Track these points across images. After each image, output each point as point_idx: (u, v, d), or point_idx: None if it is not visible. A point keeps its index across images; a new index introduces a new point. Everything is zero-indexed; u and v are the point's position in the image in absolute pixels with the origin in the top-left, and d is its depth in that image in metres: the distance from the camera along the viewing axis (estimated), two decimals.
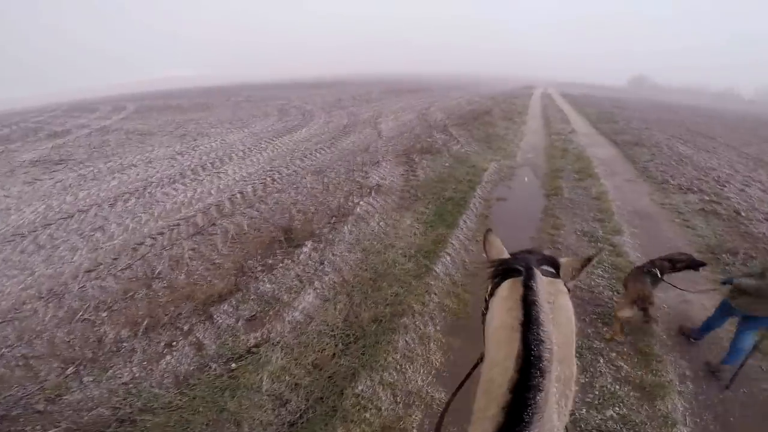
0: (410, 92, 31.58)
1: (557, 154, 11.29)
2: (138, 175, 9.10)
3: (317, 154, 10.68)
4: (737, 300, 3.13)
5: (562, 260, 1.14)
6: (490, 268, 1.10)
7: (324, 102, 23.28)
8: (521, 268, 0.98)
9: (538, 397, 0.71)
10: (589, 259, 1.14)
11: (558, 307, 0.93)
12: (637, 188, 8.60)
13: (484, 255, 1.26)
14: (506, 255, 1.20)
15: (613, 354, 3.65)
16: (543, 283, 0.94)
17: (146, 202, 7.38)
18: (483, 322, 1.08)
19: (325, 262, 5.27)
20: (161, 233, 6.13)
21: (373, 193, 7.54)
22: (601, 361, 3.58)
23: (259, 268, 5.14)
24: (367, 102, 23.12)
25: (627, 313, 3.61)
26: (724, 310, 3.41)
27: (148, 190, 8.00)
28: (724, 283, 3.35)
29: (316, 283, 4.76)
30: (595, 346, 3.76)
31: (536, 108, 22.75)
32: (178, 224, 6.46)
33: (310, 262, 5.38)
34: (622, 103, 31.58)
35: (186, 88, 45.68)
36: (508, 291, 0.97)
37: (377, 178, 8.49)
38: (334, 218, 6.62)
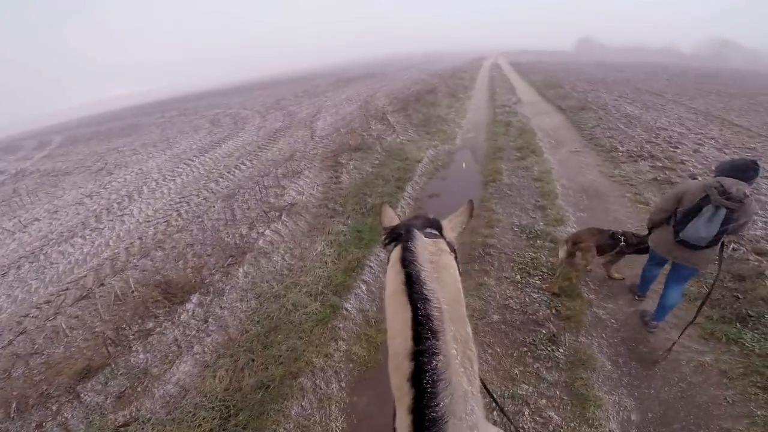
0: (361, 79, 29.92)
1: (500, 129, 10.21)
2: (40, 231, 8.11)
3: (235, 172, 9.26)
4: (653, 241, 2.94)
5: (445, 220, 1.18)
6: (386, 235, 1.08)
7: (263, 104, 21.48)
8: (402, 232, 0.98)
9: (435, 362, 0.69)
10: (469, 212, 1.26)
11: (442, 267, 0.93)
12: (584, 160, 7.63)
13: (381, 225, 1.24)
14: (396, 222, 1.20)
15: (542, 401, 2.80)
16: (423, 244, 0.93)
17: (40, 266, 6.46)
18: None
19: (210, 320, 4.28)
20: (48, 301, 5.30)
21: (284, 216, 6.25)
22: (526, 412, 2.74)
23: (135, 335, 4.27)
24: (311, 97, 21.44)
25: (561, 254, 3.57)
26: (651, 258, 3.20)
27: (45, 251, 7.00)
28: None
29: (195, 347, 3.92)
30: (520, 392, 2.87)
31: (483, 81, 21.67)
32: (67, 289, 5.56)
33: (192, 321, 4.38)
34: (568, 66, 31.01)
35: (123, 107, 42.52)
36: (395, 256, 0.93)
37: (294, 193, 7.18)
38: (230, 258, 5.36)
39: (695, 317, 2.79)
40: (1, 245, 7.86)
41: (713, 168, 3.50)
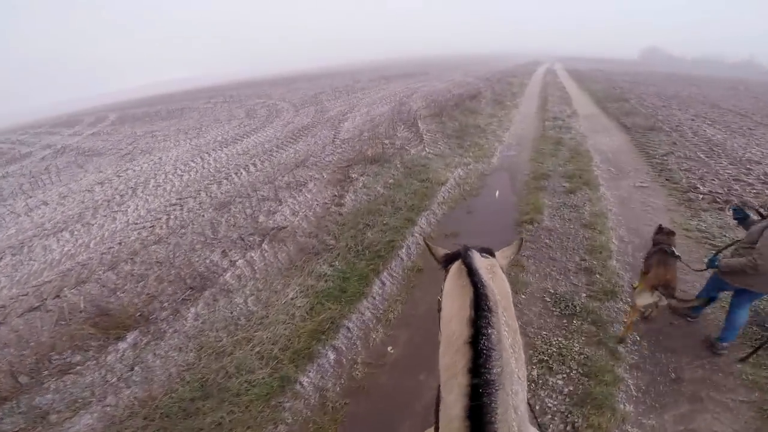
0: (404, 77, 28.50)
1: (548, 148, 8.49)
2: (42, 217, 7.83)
3: (242, 174, 8.40)
4: (728, 276, 2.72)
5: (498, 252, 1.28)
6: (442, 260, 1.24)
7: (301, 97, 20.74)
8: (460, 252, 1.07)
9: (491, 332, 0.76)
10: (519, 247, 1.35)
11: (496, 275, 1.03)
12: (652, 200, 5.83)
13: (432, 258, 1.33)
14: (447, 251, 1.30)
15: None
16: (479, 258, 1.05)
17: (18, 261, 6.05)
18: (438, 312, 1.09)
19: (137, 368, 3.53)
20: (3, 306, 4.75)
21: (265, 243, 5.17)
22: None
23: (54, 369, 3.58)
24: (348, 93, 20.37)
25: (646, 300, 2.91)
26: (714, 285, 2.94)
27: (32, 243, 6.61)
28: (710, 265, 2.84)
29: (109, 398, 3.21)
30: None
31: (535, 87, 19.45)
32: (26, 294, 4.93)
33: (118, 365, 3.59)
34: (633, 77, 27.55)
35: (178, 90, 43.84)
36: (455, 268, 1.05)
37: (287, 212, 6.09)
38: (188, 292, 4.37)
39: None
40: (2, 227, 7.59)
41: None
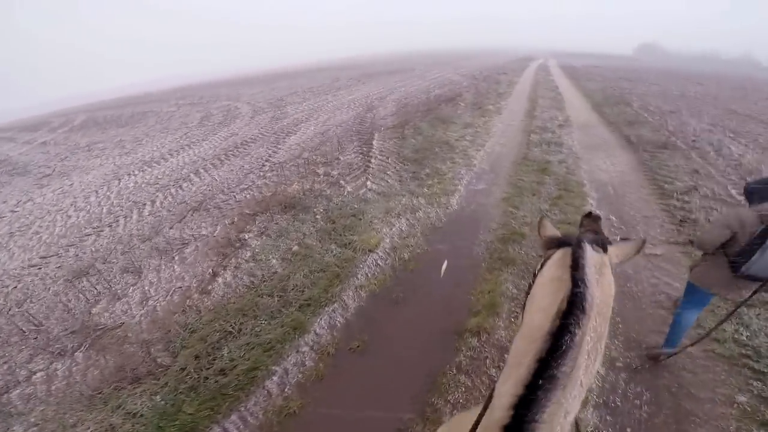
0: (388, 74, 25.88)
1: (530, 179, 6.17)
2: None
3: (131, 218, 6.36)
4: (702, 280, 2.41)
5: (611, 246, 1.10)
6: (547, 242, 1.12)
7: (268, 99, 18.28)
8: (572, 242, 0.99)
9: (576, 332, 0.71)
10: (638, 248, 1.14)
11: (602, 274, 0.92)
12: (669, 282, 3.54)
13: (539, 237, 1.23)
14: (559, 235, 1.19)
15: None
16: (591, 252, 0.93)
17: None
18: (526, 295, 1.04)
19: None
20: None
21: (81, 350, 3.36)
22: None
23: None
24: (320, 94, 17.89)
25: None
26: (694, 298, 2.52)
27: None
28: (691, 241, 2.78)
29: None
30: None
31: (525, 87, 16.97)
32: None
33: None
34: (633, 74, 24.99)
35: (161, 90, 40.98)
36: (559, 255, 0.99)
37: (137, 298, 4.17)
38: None
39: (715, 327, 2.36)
40: None
41: (747, 183, 2.31)
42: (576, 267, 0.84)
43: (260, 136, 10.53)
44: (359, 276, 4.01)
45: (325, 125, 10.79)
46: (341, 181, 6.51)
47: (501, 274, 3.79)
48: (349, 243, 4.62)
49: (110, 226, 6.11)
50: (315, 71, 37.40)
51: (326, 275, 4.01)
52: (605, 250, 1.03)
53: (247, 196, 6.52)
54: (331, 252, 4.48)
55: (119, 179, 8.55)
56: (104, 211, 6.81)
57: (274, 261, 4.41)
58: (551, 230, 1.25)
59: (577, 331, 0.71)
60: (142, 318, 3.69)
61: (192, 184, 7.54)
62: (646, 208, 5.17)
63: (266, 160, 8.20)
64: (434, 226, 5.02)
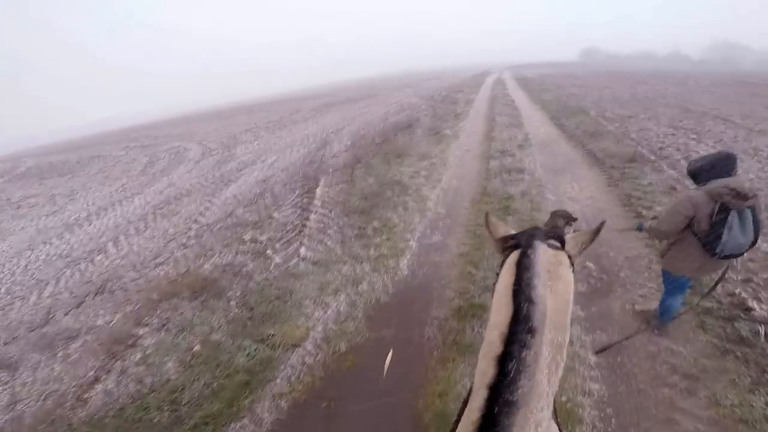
0: (349, 102, 25.25)
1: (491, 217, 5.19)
2: None
3: (19, 305, 4.73)
4: (676, 266, 2.39)
5: (569, 235, 1.09)
6: (500, 244, 1.07)
7: (222, 137, 17.11)
8: (522, 240, 0.97)
9: (524, 354, 0.69)
10: (596, 231, 1.09)
11: (556, 276, 0.89)
12: (678, 362, 2.53)
13: (489, 235, 1.16)
14: (511, 232, 1.12)
15: None
16: (543, 253, 0.91)
17: None
18: (492, 292, 0.97)
19: None
20: None
21: None
22: None
23: None
24: (275, 130, 16.84)
25: None
26: (673, 285, 2.56)
27: None
28: (638, 229, 2.55)
29: None
30: None
31: (482, 104, 16.53)
32: None
33: None
34: (582, 79, 25.43)
35: (121, 128, 38.96)
36: (511, 259, 0.93)
37: (3, 401, 2.59)
38: None
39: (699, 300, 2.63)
40: None
41: (690, 164, 2.30)
42: (519, 282, 0.81)
43: (198, 186, 9.28)
44: (279, 380, 2.86)
45: (270, 169, 9.67)
46: (269, 251, 5.31)
47: (456, 367, 2.76)
48: (269, 337, 3.46)
49: (2, 309, 4.76)
50: (280, 102, 36.59)
51: (234, 383, 2.85)
52: (562, 244, 1.00)
53: (161, 273, 5.23)
54: (244, 350, 3.30)
55: (33, 249, 7.09)
56: (1, 291, 5.40)
57: (170, 364, 3.21)
58: (502, 228, 1.15)
59: (525, 353, 0.70)
60: (5, 426, 2.54)
61: (106, 257, 6.19)
62: (628, 246, 4.25)
63: (194, 222, 6.94)
64: (379, 301, 3.90)
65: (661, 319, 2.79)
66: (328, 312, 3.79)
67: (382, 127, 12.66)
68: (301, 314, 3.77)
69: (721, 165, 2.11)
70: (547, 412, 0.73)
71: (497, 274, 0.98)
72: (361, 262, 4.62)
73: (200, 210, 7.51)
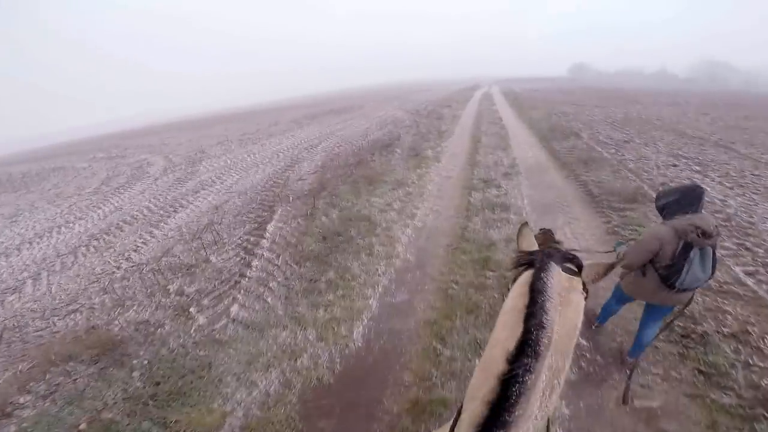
0: (331, 114, 24.24)
1: (467, 280, 4.15)
2: None
3: None
4: (629, 289, 2.50)
5: (587, 262, 1.07)
6: (516, 258, 1.07)
7: (190, 151, 15.87)
8: (538, 260, 0.96)
9: (527, 377, 0.70)
10: (612, 265, 1.10)
11: (567, 302, 0.88)
12: None
13: (516, 244, 1.22)
14: (535, 248, 1.15)
15: None
16: (558, 277, 0.90)
17: None
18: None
19: None
20: None
21: None
22: None
23: None
24: (246, 144, 15.67)
25: None
26: (620, 298, 2.77)
27: None
28: (616, 247, 2.58)
29: None
30: None
31: (468, 120, 15.69)
32: None
33: None
34: (572, 96, 24.98)
35: (89, 137, 37.21)
36: (524, 279, 0.93)
37: None
38: None
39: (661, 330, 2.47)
40: None
41: (658, 197, 2.37)
42: (532, 305, 0.80)
43: (146, 212, 8.05)
44: None
45: (227, 194, 8.49)
46: (193, 308, 4.15)
47: None
48: (173, 423, 2.35)
49: None
50: (261, 112, 35.44)
51: None
52: (579, 269, 0.99)
53: (69, 324, 4.10)
54: None
55: None
56: None
57: None
58: (529, 241, 1.21)
59: (528, 377, 0.69)
60: None
61: (19, 298, 5.01)
62: (631, 318, 3.23)
63: (126, 259, 5.75)
64: (322, 381, 2.85)
65: (599, 318, 3.10)
66: (254, 393, 2.74)
67: (359, 146, 11.61)
68: (218, 394, 2.72)
69: (688, 199, 2.15)
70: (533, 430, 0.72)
71: (507, 288, 1.00)
72: (305, 328, 3.52)
73: (137, 244, 6.32)
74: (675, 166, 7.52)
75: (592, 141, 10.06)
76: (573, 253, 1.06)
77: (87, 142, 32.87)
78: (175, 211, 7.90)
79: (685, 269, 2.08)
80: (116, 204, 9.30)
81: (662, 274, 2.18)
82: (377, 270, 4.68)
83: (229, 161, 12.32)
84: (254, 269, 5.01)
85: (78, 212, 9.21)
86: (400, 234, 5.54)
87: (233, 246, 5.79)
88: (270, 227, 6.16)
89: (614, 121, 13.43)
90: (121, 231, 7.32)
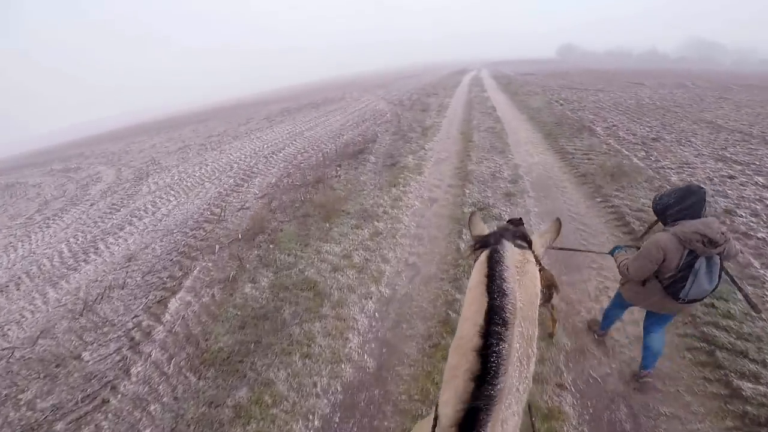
0: (309, 108, 21.72)
1: None
2: None
3: None
4: (631, 297, 2.28)
5: (534, 235, 1.15)
6: (473, 244, 1.10)
7: (146, 160, 13.69)
8: (492, 240, 1.00)
9: (500, 347, 0.70)
10: (557, 228, 1.26)
11: (524, 272, 0.91)
12: None
13: (470, 232, 1.24)
14: (487, 231, 1.20)
15: None
16: (511, 251, 0.94)
17: None
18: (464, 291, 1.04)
19: None
20: None
21: None
22: None
23: None
24: (205, 151, 13.38)
25: None
26: (621, 305, 2.53)
27: None
28: (611, 252, 2.43)
29: None
30: None
31: (457, 112, 13.44)
32: None
33: None
34: (568, 79, 22.67)
35: (69, 142, 34.41)
36: (482, 258, 0.95)
37: None
38: None
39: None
40: None
41: (656, 201, 2.11)
42: (492, 275, 0.81)
43: (56, 258, 6.10)
44: None
45: (153, 231, 6.42)
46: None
47: None
48: None
49: None
50: (243, 106, 32.65)
51: None
52: (529, 243, 1.04)
53: None
54: None
55: None
56: None
57: None
58: (480, 227, 1.24)
59: (502, 346, 0.70)
60: None
61: None
62: None
63: (1, 336, 3.76)
64: None
65: (603, 325, 2.80)
66: None
67: (325, 153, 9.42)
68: None
69: (690, 203, 1.93)
70: (516, 407, 0.72)
71: (470, 272, 0.99)
72: None
73: (23, 313, 4.63)
74: (732, 178, 5.50)
75: (612, 138, 7.99)
76: (521, 230, 1.10)
77: (55, 150, 30.08)
78: (85, 261, 5.85)
79: (690, 280, 1.89)
80: (35, 243, 7.29)
81: (666, 284, 1.98)
82: (315, 385, 2.83)
83: (176, 177, 10.12)
84: (133, 379, 3.15)
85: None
86: (358, 314, 3.54)
87: (119, 333, 3.83)
88: (174, 303, 4.12)
89: (627, 108, 11.32)
90: (17, 289, 5.38)
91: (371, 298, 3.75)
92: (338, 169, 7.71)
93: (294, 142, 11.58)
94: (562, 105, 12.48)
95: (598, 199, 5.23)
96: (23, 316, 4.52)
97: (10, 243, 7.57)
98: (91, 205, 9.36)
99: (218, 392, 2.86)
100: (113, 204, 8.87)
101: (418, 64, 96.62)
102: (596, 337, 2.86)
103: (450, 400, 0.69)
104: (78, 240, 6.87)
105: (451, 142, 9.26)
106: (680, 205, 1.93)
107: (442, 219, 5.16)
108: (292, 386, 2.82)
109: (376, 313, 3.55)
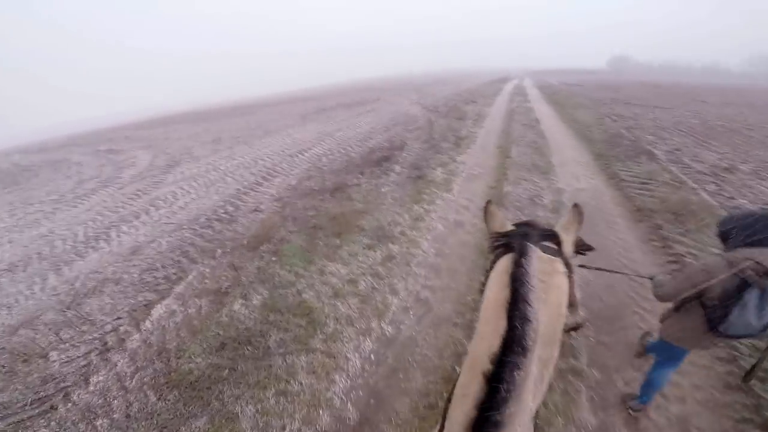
0: (342, 108, 21.49)
1: None
2: None
3: None
4: (672, 335, 1.93)
5: (560, 229, 0.99)
6: (491, 242, 0.98)
7: (180, 149, 13.94)
8: (516, 246, 0.85)
9: (516, 374, 0.65)
10: (580, 219, 1.07)
11: (550, 287, 0.82)
12: None
13: (486, 226, 1.10)
14: (508, 227, 1.05)
15: None
16: (539, 261, 0.81)
17: None
18: (481, 293, 0.90)
19: None
20: None
21: None
22: None
23: None
24: (235, 144, 13.44)
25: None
26: (666, 354, 2.07)
27: None
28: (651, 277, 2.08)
29: None
30: None
31: (495, 123, 12.55)
32: None
33: None
34: (621, 92, 20.89)
35: (96, 129, 36.59)
36: (503, 267, 0.83)
37: None
38: None
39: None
40: None
41: (723, 220, 1.81)
42: (515, 298, 0.70)
43: (69, 241, 6.19)
44: None
45: (165, 224, 6.26)
46: None
47: None
48: None
49: None
50: (273, 104, 33.08)
51: None
52: (559, 246, 0.91)
53: None
54: None
55: None
56: None
57: None
58: (500, 221, 1.07)
59: (517, 374, 0.64)
60: None
61: None
62: None
63: None
64: None
65: (642, 397, 2.26)
66: None
67: (350, 157, 8.98)
68: None
69: (761, 229, 1.60)
70: (528, 424, 0.69)
71: (486, 272, 0.90)
72: None
73: (18, 297, 4.51)
74: None
75: (675, 166, 6.89)
76: (550, 228, 0.95)
77: (106, 132, 32.09)
78: (93, 248, 5.77)
79: (734, 312, 1.58)
80: (56, 222, 7.46)
81: (708, 312, 1.69)
82: (284, 429, 2.52)
83: (202, 169, 10.10)
84: (90, 389, 2.94)
85: (17, 229, 7.43)
86: (351, 352, 3.02)
87: (95, 335, 3.60)
88: (158, 309, 3.79)
89: (691, 129, 9.97)
90: (24, 270, 5.33)
91: (370, 335, 3.20)
92: (360, 176, 7.22)
93: (321, 143, 11.25)
94: (614, 121, 11.27)
95: (657, 243, 4.34)
96: (17, 301, 4.42)
97: (36, 219, 7.74)
98: (120, 188, 9.50)
99: (174, 418, 2.57)
100: (138, 190, 8.93)
101: (456, 70, 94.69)
102: (631, 413, 2.35)
103: (456, 421, 0.66)
104: (96, 224, 6.85)
105: (486, 156, 8.50)
106: (748, 230, 1.63)
107: (466, 249, 4.49)
108: (257, 425, 2.45)
109: (372, 355, 3.01)
